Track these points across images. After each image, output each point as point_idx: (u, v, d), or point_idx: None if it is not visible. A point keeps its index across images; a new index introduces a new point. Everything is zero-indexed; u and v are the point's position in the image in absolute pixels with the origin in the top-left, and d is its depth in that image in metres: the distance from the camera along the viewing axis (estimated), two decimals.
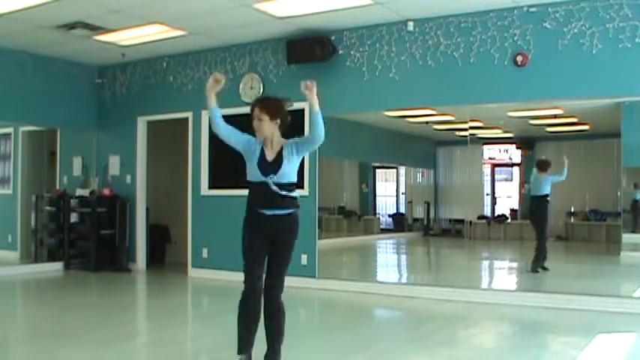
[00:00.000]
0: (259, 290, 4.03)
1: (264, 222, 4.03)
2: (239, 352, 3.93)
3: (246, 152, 4.06)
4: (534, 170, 8.32)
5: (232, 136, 4.07)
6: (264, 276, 4.07)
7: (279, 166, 3.94)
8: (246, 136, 4.06)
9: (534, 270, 7.91)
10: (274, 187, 3.93)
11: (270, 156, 4.00)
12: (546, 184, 8.15)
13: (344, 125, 8.48)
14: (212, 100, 4.05)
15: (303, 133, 7.87)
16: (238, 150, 4.07)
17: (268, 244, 4.06)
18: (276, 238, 4.05)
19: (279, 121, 4.00)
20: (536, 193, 8.22)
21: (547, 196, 8.15)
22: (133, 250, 9.29)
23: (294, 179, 4.04)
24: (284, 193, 3.96)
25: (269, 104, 4.04)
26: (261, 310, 3.99)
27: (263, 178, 3.95)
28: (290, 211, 4.05)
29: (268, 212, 4.00)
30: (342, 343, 5.02)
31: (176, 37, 7.93)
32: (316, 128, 3.90)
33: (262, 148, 4.02)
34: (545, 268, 8.00)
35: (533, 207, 8.37)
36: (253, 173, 4.03)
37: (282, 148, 4.00)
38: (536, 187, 8.23)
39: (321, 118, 3.89)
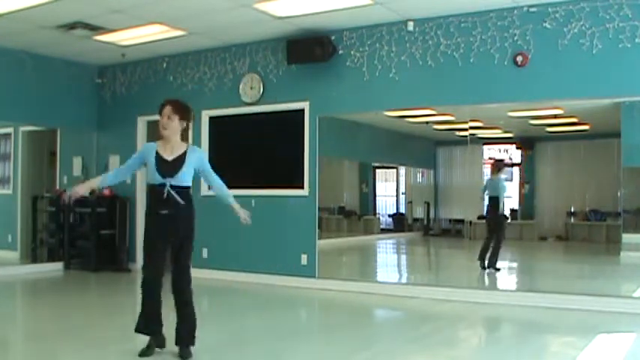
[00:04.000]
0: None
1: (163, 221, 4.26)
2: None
3: (146, 161, 4.31)
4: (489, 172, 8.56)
5: (133, 166, 4.44)
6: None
7: (179, 169, 4.22)
8: (139, 154, 4.40)
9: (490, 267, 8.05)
10: (170, 190, 4.20)
11: (169, 157, 4.25)
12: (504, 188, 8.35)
13: (344, 125, 8.49)
14: (92, 185, 4.47)
15: (303, 133, 7.94)
16: (143, 166, 4.36)
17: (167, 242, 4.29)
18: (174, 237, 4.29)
19: (185, 123, 4.30)
20: (493, 194, 8.34)
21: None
22: (133, 250, 9.28)
23: (189, 184, 4.32)
24: (178, 196, 4.21)
25: (180, 105, 4.34)
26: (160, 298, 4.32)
27: (162, 180, 4.19)
28: (183, 211, 4.26)
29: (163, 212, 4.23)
30: (342, 343, 5.02)
31: (176, 37, 7.93)
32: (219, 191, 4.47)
33: (156, 150, 4.27)
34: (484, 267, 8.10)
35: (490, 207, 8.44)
36: (152, 176, 4.27)
37: (185, 153, 4.28)
38: (493, 188, 8.37)
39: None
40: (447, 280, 7.71)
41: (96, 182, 4.49)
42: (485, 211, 8.57)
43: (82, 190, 4.32)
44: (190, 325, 4.30)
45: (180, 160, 4.23)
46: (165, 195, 4.17)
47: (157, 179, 4.20)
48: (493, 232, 8.17)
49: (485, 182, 8.87)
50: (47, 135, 9.68)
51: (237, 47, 8.36)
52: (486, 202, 8.53)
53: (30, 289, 8.07)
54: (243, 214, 4.47)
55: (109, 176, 4.49)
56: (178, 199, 4.18)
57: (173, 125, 4.25)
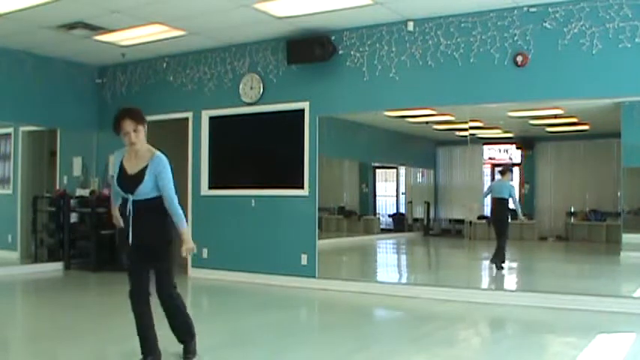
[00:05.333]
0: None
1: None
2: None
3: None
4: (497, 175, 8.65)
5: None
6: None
7: (140, 183, 3.89)
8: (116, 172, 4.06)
9: (493, 262, 8.32)
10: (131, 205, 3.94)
11: (131, 169, 3.95)
12: (507, 189, 8.52)
13: (344, 125, 8.50)
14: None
15: (303, 133, 7.93)
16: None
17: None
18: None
19: (146, 127, 4.01)
20: (498, 195, 8.50)
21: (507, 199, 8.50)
22: None
23: (153, 195, 3.94)
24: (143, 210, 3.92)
25: (138, 113, 4.02)
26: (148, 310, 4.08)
27: (124, 195, 3.97)
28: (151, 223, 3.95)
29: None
30: (341, 343, 5.02)
31: (176, 37, 7.93)
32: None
33: (122, 161, 4.00)
34: (500, 267, 8.26)
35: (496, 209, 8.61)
36: (115, 190, 4.03)
37: (147, 164, 3.90)
38: (498, 190, 8.52)
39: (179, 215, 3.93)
40: (447, 280, 7.71)
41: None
42: (491, 212, 8.71)
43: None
44: None
45: (142, 174, 3.90)
46: (127, 211, 3.95)
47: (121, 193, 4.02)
48: (502, 233, 8.35)
49: (490, 184, 8.94)
50: (47, 135, 9.67)
51: (237, 47, 8.36)
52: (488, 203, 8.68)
53: (30, 289, 8.07)
54: (185, 247, 3.93)
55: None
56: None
57: (141, 136, 3.93)
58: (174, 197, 3.90)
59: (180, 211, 3.92)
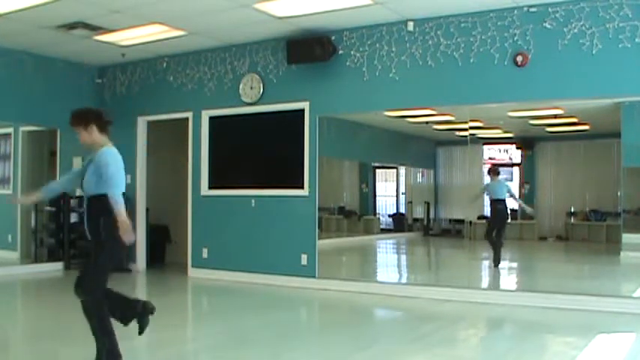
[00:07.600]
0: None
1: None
2: None
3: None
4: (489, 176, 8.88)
5: (73, 178, 4.30)
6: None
7: (83, 176, 4.00)
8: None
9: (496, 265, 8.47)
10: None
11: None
12: (503, 188, 8.74)
13: (344, 125, 8.49)
14: (36, 197, 4.32)
15: (303, 133, 7.93)
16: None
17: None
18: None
19: (94, 126, 4.04)
20: (495, 196, 8.69)
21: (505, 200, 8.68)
22: (133, 250, 9.28)
23: (98, 192, 3.89)
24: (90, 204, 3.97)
25: (75, 116, 4.10)
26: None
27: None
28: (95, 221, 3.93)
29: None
30: (341, 343, 5.02)
31: (176, 37, 7.93)
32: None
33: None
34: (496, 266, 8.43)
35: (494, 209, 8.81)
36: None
37: (91, 159, 3.97)
38: (495, 191, 8.72)
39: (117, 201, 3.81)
40: (447, 280, 7.71)
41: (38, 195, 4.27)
42: (490, 213, 8.80)
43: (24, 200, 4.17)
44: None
45: (86, 168, 4.01)
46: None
47: None
48: (500, 232, 8.47)
49: (484, 184, 9.04)
50: (47, 135, 9.67)
51: (237, 47, 8.36)
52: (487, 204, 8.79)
53: (30, 289, 8.07)
54: (127, 234, 3.87)
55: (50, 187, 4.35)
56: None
57: (83, 137, 4.04)
58: (115, 191, 3.83)
59: (119, 203, 3.81)
